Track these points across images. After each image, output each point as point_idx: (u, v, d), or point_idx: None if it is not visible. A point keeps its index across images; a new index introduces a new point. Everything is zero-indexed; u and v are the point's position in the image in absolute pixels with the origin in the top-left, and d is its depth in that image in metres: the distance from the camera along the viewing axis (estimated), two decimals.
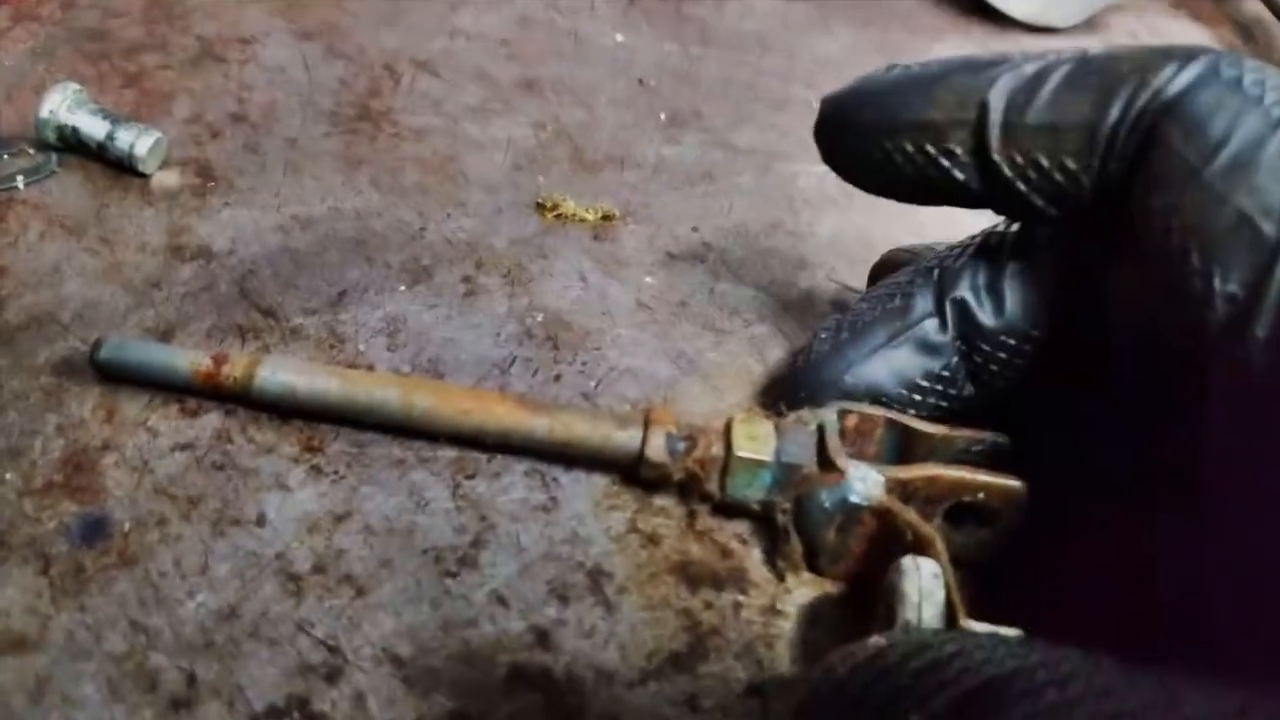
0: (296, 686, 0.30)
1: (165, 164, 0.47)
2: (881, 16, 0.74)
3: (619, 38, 0.65)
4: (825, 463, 0.34)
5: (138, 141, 0.45)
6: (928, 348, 0.34)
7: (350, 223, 0.46)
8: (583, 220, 0.50)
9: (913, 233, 0.53)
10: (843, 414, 0.35)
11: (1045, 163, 0.30)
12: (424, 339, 0.42)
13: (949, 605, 0.29)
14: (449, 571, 0.34)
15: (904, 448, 0.35)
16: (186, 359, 0.35)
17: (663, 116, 0.58)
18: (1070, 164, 0.30)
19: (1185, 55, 0.28)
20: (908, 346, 0.35)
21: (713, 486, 0.35)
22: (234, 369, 0.35)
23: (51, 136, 0.45)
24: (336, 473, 0.36)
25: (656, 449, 0.35)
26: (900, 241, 0.52)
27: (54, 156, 0.45)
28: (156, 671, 0.29)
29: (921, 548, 0.32)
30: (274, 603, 0.32)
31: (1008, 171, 0.31)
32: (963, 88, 0.31)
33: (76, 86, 0.46)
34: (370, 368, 0.40)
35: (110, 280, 0.41)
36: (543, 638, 0.32)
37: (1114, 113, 0.28)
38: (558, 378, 0.41)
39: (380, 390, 0.35)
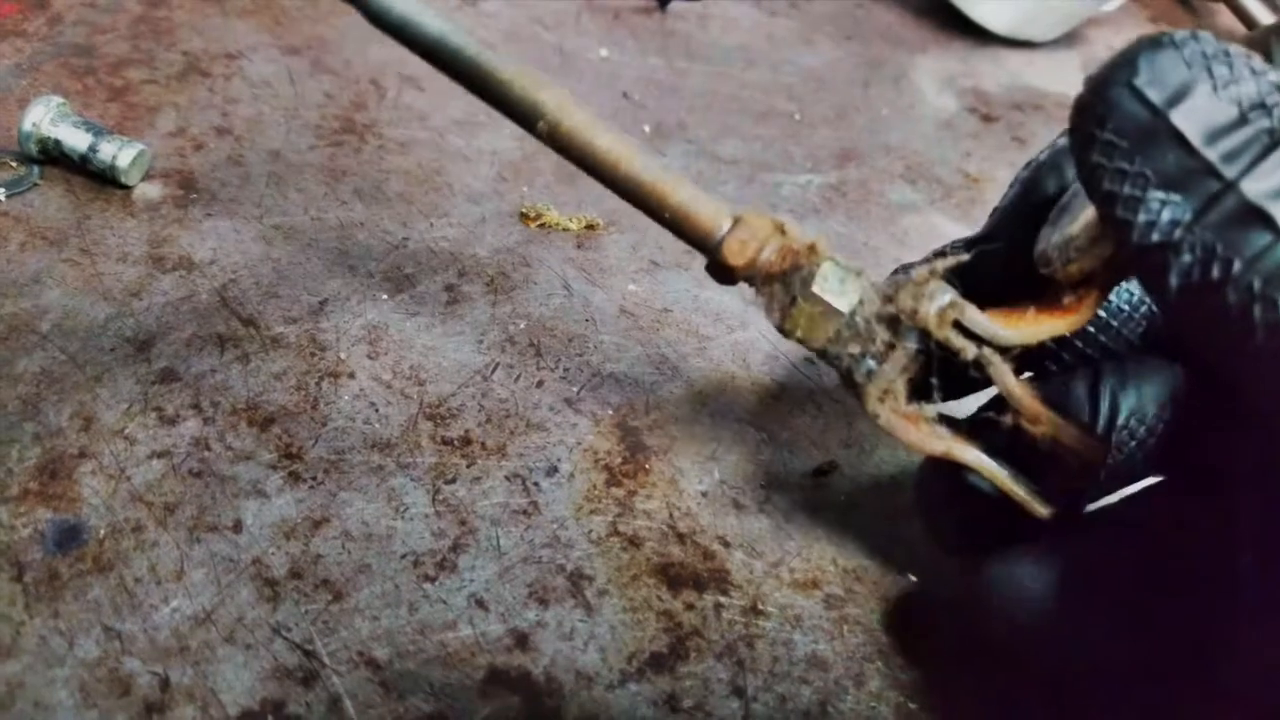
0: (272, 690, 0.29)
1: (148, 176, 0.47)
2: (863, 31, 0.75)
3: (604, 52, 0.65)
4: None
5: (120, 153, 0.45)
6: None
7: (333, 233, 0.46)
8: (566, 229, 0.50)
9: (894, 240, 0.54)
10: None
11: None
12: (406, 346, 0.41)
13: None
14: (428, 575, 0.33)
15: None
16: None
17: (647, 128, 0.59)
18: None
19: None
20: None
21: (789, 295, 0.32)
22: None
23: (34, 149, 0.45)
24: (315, 479, 0.36)
25: (736, 249, 0.32)
26: (882, 249, 0.53)
27: (36, 169, 0.46)
28: (130, 677, 0.29)
29: None
30: (250, 607, 0.31)
31: None
32: None
33: (60, 99, 0.46)
34: (351, 376, 0.40)
35: (90, 290, 0.41)
36: (522, 640, 0.32)
37: None
38: (540, 384, 0.41)
39: (499, 67, 0.33)
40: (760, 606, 0.34)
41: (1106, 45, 0.83)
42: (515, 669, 0.31)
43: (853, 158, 0.60)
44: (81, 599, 0.31)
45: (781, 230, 0.32)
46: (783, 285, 0.32)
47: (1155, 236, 0.23)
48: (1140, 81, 0.23)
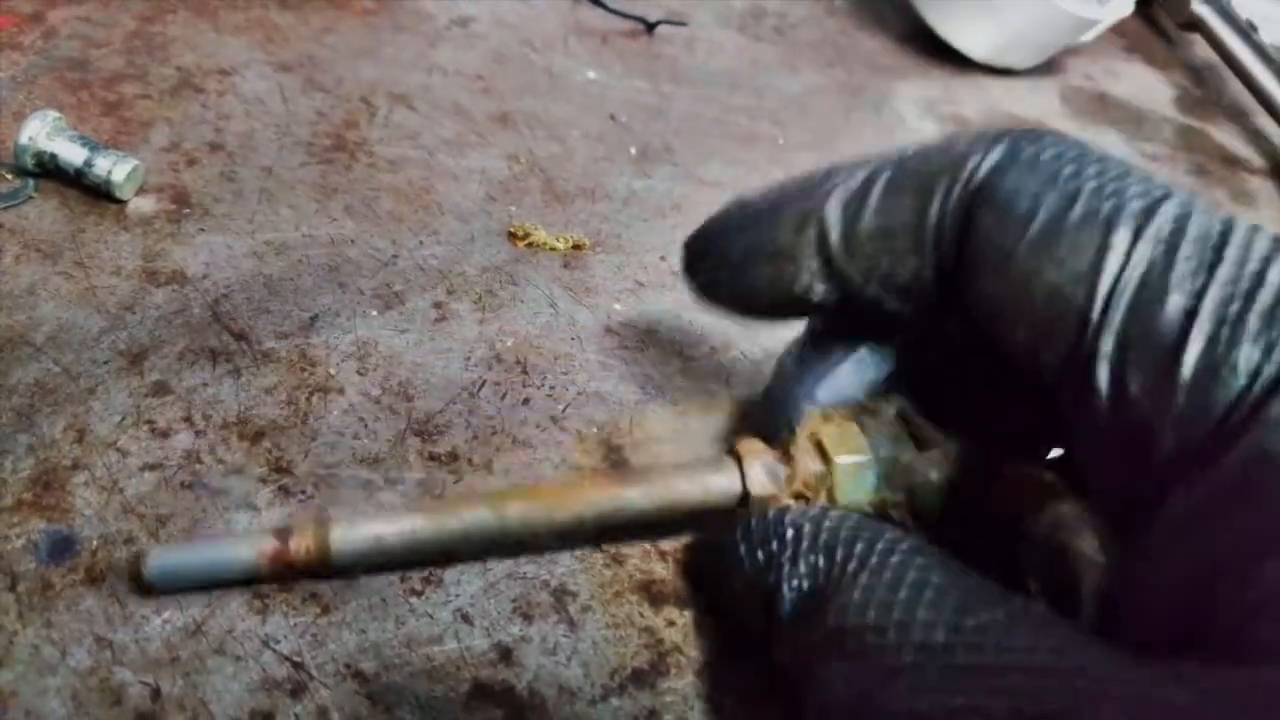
0: (260, 702, 0.30)
1: (142, 190, 0.48)
2: (845, 58, 0.77)
3: (591, 75, 0.66)
4: (922, 442, 0.34)
5: (115, 168, 0.46)
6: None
7: (324, 249, 0.47)
8: (553, 249, 0.51)
9: None
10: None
11: (886, 264, 0.31)
12: (394, 363, 0.42)
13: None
14: (414, 590, 0.34)
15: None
16: (249, 547, 0.31)
17: (633, 150, 0.60)
18: (911, 261, 0.30)
19: (991, 139, 0.29)
20: (863, 351, 0.35)
21: (823, 500, 0.34)
22: (303, 540, 0.31)
23: (30, 163, 0.46)
24: (304, 493, 0.36)
25: (760, 483, 0.33)
26: None
27: (31, 182, 0.46)
28: (121, 687, 0.30)
29: (1049, 491, 0.32)
30: (239, 619, 0.32)
31: (856, 279, 0.31)
32: (801, 210, 0.32)
33: (56, 114, 0.46)
34: (341, 391, 0.40)
35: (84, 303, 0.41)
36: (506, 655, 0.33)
37: (934, 209, 0.29)
38: (526, 401, 0.42)
39: (470, 514, 0.32)
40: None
41: (1083, 74, 0.85)
42: (499, 683, 0.32)
43: None
44: (74, 609, 0.31)
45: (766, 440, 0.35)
46: (811, 477, 0.34)
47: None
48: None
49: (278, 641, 0.32)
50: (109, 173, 0.46)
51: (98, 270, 0.43)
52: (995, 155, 0.29)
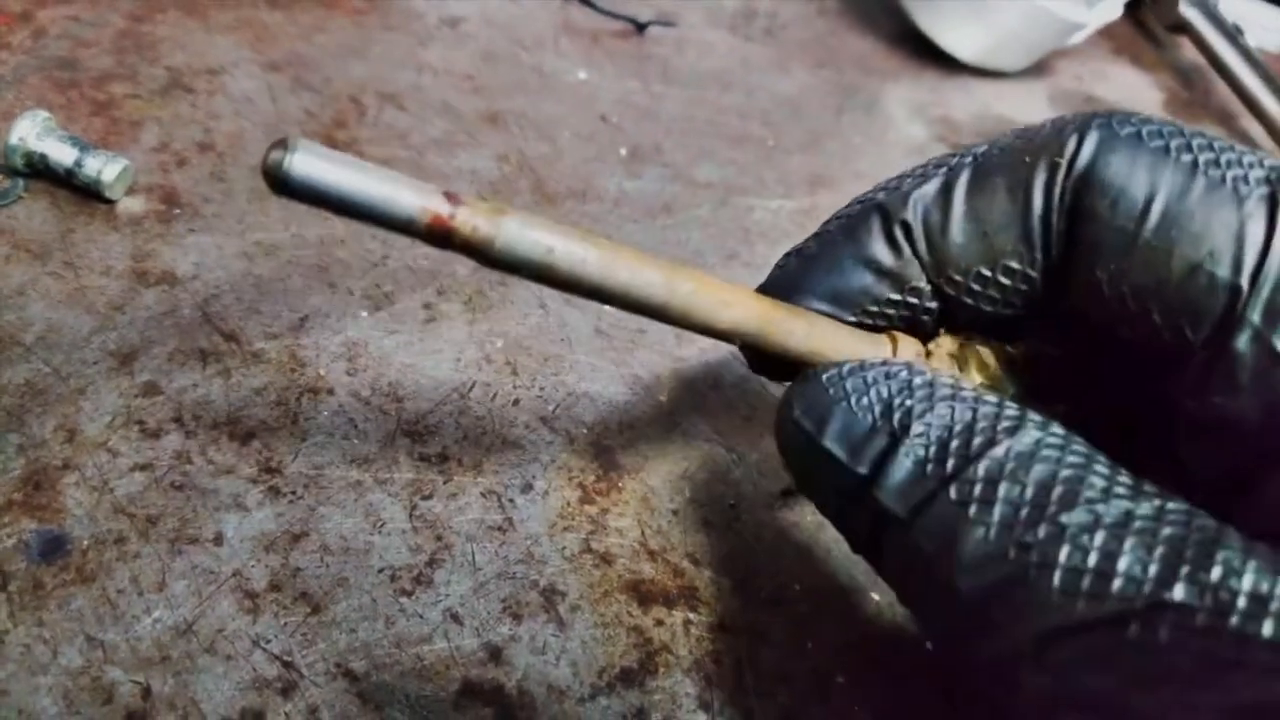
0: (251, 701, 0.30)
1: (131, 190, 0.48)
2: (836, 58, 0.77)
3: (582, 75, 0.66)
4: None
5: (105, 168, 0.46)
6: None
7: (313, 250, 0.47)
8: None
9: None
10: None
11: (986, 271, 0.29)
12: (384, 363, 0.42)
13: None
14: (404, 590, 0.34)
15: None
16: (412, 196, 0.25)
17: (624, 151, 0.60)
18: (1013, 264, 0.29)
19: (1081, 123, 0.28)
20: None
21: None
22: (474, 217, 0.26)
23: (20, 163, 0.46)
24: (294, 493, 0.36)
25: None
26: None
27: (21, 182, 0.46)
28: (112, 685, 0.30)
29: None
30: (230, 619, 0.32)
31: (951, 291, 0.30)
32: (883, 225, 0.30)
33: (46, 114, 0.46)
34: (331, 392, 0.41)
35: (74, 304, 0.41)
36: (495, 654, 0.33)
37: (1038, 202, 0.28)
38: (516, 402, 0.42)
39: (642, 274, 0.28)
40: (728, 623, 0.36)
41: (1073, 75, 0.86)
42: (489, 682, 0.32)
43: (824, 184, 0.62)
44: (65, 608, 0.31)
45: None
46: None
47: (856, 546, 0.27)
48: (797, 414, 0.27)
49: (268, 641, 0.32)
50: (99, 173, 0.46)
51: (87, 270, 0.43)
52: (1093, 139, 0.28)
